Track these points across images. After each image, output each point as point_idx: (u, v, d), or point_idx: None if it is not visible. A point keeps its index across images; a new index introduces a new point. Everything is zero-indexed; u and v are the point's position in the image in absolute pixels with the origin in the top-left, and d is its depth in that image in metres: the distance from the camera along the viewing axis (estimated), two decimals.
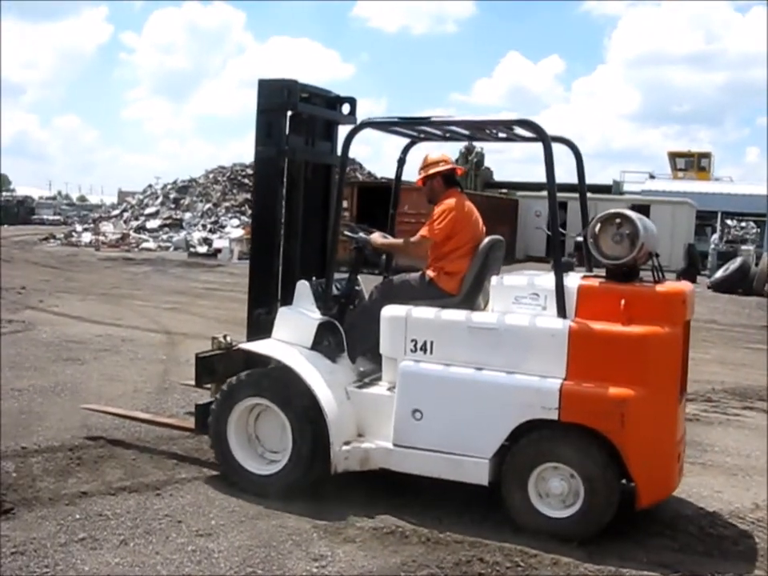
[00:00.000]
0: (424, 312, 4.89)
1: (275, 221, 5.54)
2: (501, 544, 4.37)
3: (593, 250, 4.63)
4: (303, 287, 5.34)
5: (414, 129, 5.50)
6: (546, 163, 4.60)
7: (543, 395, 4.45)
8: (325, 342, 5.18)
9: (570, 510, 4.49)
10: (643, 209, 30.71)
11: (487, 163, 39.42)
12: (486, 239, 5.29)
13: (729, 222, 33.25)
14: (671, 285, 4.78)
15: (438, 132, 5.56)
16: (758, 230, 33.01)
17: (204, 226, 32.49)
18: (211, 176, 37.32)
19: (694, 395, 8.00)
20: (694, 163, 44.05)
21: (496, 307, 4.82)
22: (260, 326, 5.43)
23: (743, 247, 25.00)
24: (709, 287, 19.91)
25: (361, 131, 5.18)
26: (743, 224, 33.85)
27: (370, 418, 5.00)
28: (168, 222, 33.38)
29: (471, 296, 5.17)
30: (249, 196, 34.86)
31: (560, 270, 4.59)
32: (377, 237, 5.45)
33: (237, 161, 39.26)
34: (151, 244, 29.65)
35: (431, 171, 5.36)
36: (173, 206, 35.33)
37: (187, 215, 33.99)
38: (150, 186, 38.38)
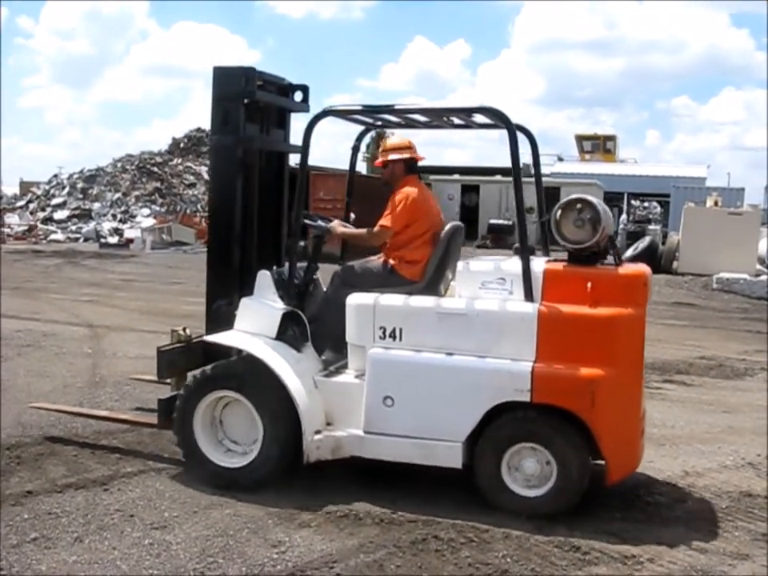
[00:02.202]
0: (392, 299, 4.91)
1: (233, 210, 5.42)
2: (453, 521, 4.50)
3: (555, 235, 4.72)
4: (264, 277, 5.25)
5: (374, 116, 5.46)
6: (512, 150, 4.67)
7: (515, 378, 4.52)
8: (289, 332, 5.11)
9: (542, 488, 4.61)
10: (553, 191, 31.35)
11: None
12: (448, 226, 5.32)
13: (634, 202, 34.24)
14: (632, 267, 4.90)
15: (397, 120, 5.52)
16: (662, 210, 34.10)
17: (114, 216, 31.74)
18: (119, 165, 36.45)
19: None
20: (599, 146, 45.35)
21: (463, 293, 4.86)
22: (220, 318, 5.34)
23: (650, 227, 25.76)
24: None
25: (323, 119, 5.08)
26: (646, 204, 34.89)
27: (338, 406, 4.97)
28: (76, 212, 32.43)
29: (434, 282, 5.21)
30: (159, 184, 34.31)
31: (526, 255, 4.66)
32: (337, 225, 5.42)
33: (144, 148, 38.48)
34: (60, 235, 28.80)
35: (394, 157, 5.33)
36: (80, 196, 34.32)
37: (96, 205, 33.11)
38: (56, 176, 37.20)
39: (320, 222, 5.45)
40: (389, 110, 5.21)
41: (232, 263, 5.46)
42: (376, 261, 5.39)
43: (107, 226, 29.67)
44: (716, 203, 21.46)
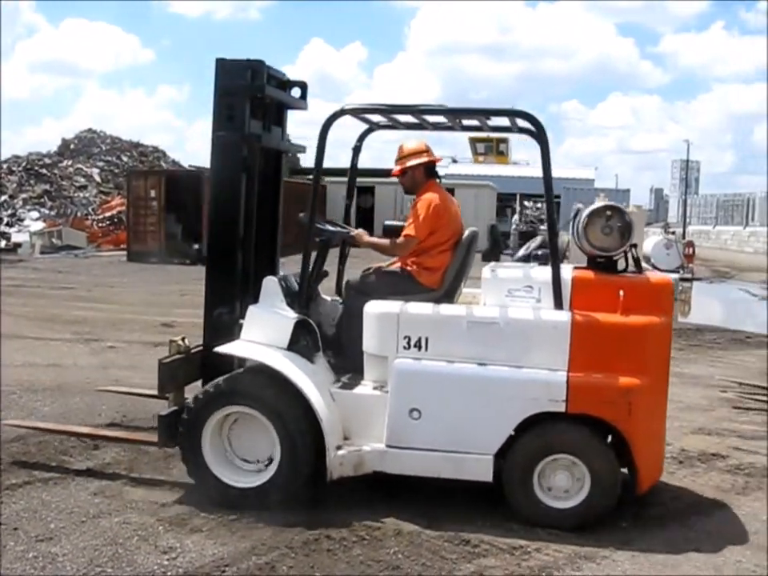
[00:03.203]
0: (418, 307, 4.75)
1: (237, 212, 5.10)
2: (345, 519, 4.54)
3: (582, 242, 4.69)
4: (271, 283, 5.02)
5: (390, 116, 5.27)
6: (543, 157, 4.64)
7: (550, 388, 4.46)
8: (302, 342, 4.87)
9: (574, 500, 4.58)
10: (448, 192, 31.86)
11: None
12: (466, 232, 5.19)
13: (526, 203, 35.27)
14: (658, 275, 4.90)
15: (412, 120, 5.28)
16: None
17: (0, 219, 30.53)
18: (5, 166, 35.05)
19: None
20: (493, 148, 46.50)
21: (489, 300, 4.77)
22: (222, 327, 5.04)
23: (542, 227, 26.59)
24: None
25: (340, 118, 4.86)
26: (539, 205, 35.93)
27: (356, 419, 4.77)
28: None
29: (451, 291, 5.10)
30: (48, 187, 33.17)
31: (556, 262, 4.57)
32: (362, 234, 5.26)
33: (33, 149, 37.20)
34: None
35: (413, 162, 5.19)
36: None
37: None
38: None
39: (329, 227, 5.21)
40: (409, 110, 5.03)
41: (235, 268, 5.13)
42: (392, 267, 5.27)
43: None
44: None
